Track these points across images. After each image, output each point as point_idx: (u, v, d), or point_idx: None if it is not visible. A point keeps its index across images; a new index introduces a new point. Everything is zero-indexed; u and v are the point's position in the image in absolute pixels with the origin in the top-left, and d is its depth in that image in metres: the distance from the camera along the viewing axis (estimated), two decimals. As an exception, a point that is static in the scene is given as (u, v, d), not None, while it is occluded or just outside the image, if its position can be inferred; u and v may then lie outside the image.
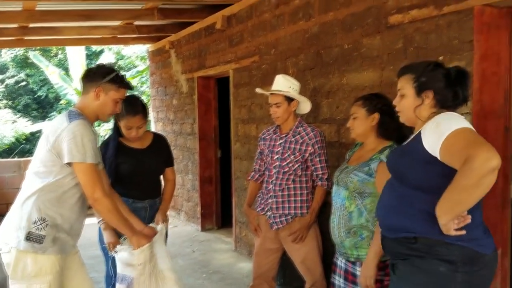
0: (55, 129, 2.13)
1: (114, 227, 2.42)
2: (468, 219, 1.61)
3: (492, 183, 1.50)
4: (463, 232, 1.61)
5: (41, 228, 2.10)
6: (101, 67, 2.32)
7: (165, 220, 2.84)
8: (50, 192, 2.13)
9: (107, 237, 2.62)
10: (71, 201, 2.19)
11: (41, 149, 2.16)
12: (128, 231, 2.32)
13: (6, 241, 2.13)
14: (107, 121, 2.52)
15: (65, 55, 15.55)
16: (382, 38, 2.97)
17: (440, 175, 1.64)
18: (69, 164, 2.10)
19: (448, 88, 1.78)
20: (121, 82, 2.28)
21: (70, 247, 2.25)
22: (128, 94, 2.40)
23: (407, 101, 1.84)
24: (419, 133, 1.76)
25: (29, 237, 2.09)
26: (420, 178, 1.73)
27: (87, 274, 2.40)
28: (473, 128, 1.66)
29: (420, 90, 1.79)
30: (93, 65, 2.49)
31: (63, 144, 2.08)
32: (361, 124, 2.31)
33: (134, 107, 2.63)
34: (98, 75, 2.24)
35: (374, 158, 2.24)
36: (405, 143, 1.91)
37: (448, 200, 1.57)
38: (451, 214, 1.58)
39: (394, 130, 2.26)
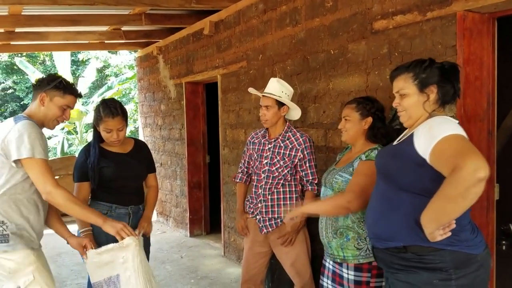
0: (2, 132, 2.11)
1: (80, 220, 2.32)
2: (453, 225, 1.59)
3: (480, 193, 1.46)
4: (449, 233, 1.59)
5: (2, 230, 2.10)
6: (49, 75, 2.35)
7: (149, 227, 2.76)
8: (4, 195, 2.11)
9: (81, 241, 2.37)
10: (26, 202, 2.16)
11: None
12: (97, 217, 2.22)
13: None
14: (53, 129, 2.45)
15: (52, 62, 15.43)
16: (367, 43, 3.00)
17: (430, 178, 1.62)
18: (18, 161, 2.08)
19: (446, 81, 1.77)
20: (66, 88, 2.28)
21: (35, 246, 2.22)
22: (106, 98, 2.34)
23: (410, 99, 1.80)
24: (412, 135, 1.74)
25: None
26: (410, 181, 1.70)
27: (51, 273, 2.31)
28: (465, 135, 1.63)
29: (422, 86, 1.78)
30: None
31: (10, 144, 2.07)
32: (353, 127, 2.31)
33: (113, 109, 2.59)
34: (44, 82, 2.26)
35: (357, 158, 2.26)
36: (396, 143, 1.88)
37: (434, 210, 1.54)
38: (437, 224, 1.55)
39: (383, 135, 2.29)
